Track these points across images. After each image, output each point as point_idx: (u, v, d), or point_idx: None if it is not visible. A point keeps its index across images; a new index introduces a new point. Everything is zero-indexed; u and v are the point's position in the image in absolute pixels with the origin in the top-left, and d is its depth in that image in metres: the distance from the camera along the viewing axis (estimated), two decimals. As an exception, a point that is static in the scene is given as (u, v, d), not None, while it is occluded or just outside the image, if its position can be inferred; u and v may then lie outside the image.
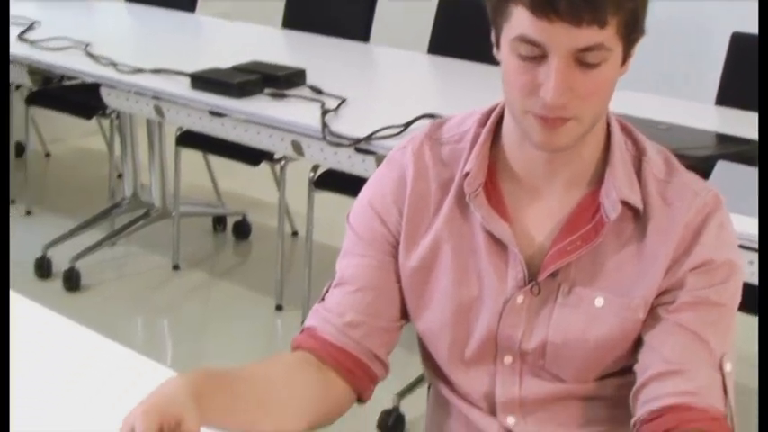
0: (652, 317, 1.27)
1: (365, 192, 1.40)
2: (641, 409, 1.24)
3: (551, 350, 1.29)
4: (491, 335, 1.32)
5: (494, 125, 1.32)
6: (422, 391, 1.56)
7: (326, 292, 1.40)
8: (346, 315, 1.35)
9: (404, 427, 2.85)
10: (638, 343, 1.28)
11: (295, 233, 4.11)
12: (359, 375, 1.36)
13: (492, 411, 1.36)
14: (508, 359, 1.32)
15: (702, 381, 1.22)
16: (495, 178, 1.31)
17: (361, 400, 1.39)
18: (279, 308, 3.52)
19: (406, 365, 2.97)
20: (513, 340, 1.31)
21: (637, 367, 1.27)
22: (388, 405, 2.89)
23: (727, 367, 1.23)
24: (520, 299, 1.30)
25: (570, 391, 1.32)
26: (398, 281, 1.37)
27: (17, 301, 1.71)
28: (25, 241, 3.85)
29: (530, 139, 1.23)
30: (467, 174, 1.30)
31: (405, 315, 1.39)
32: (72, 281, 3.68)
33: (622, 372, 1.31)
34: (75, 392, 1.41)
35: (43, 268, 3.75)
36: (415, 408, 2.84)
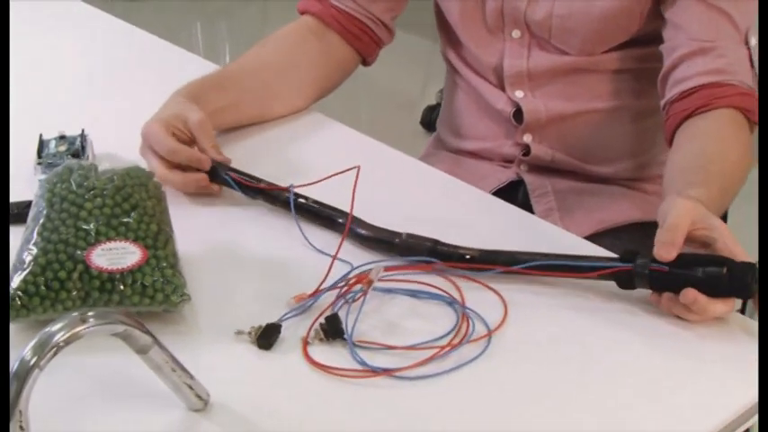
0: None
1: None
2: (671, 91, 1.24)
3: (557, 22, 1.32)
4: (497, 6, 1.35)
5: None
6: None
7: None
8: None
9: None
10: (653, 16, 1.29)
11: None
12: (364, 40, 1.42)
13: (501, 85, 1.40)
14: (516, 33, 1.36)
15: (731, 57, 1.22)
16: None
17: (365, 63, 1.46)
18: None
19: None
20: (519, 11, 1.34)
21: (664, 48, 1.27)
22: (432, 102, 3.08)
23: (752, 41, 1.23)
24: None
25: (577, 63, 1.35)
26: None
27: (82, 9, 1.82)
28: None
29: None
30: None
31: None
32: (132, -12, 3.80)
33: (636, 43, 1.33)
34: (134, 94, 1.48)
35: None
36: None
